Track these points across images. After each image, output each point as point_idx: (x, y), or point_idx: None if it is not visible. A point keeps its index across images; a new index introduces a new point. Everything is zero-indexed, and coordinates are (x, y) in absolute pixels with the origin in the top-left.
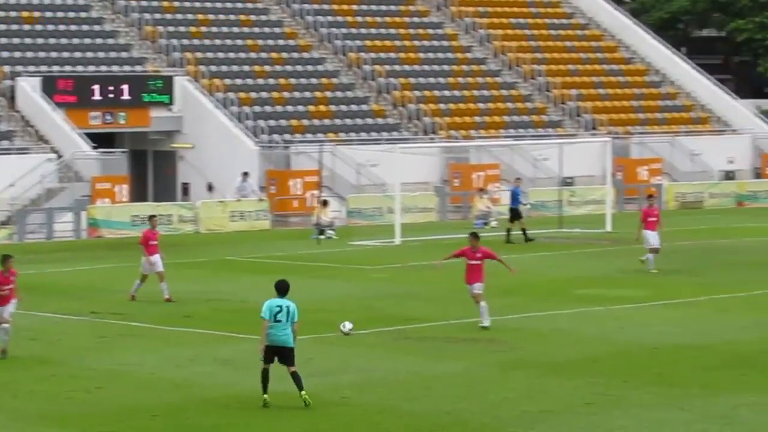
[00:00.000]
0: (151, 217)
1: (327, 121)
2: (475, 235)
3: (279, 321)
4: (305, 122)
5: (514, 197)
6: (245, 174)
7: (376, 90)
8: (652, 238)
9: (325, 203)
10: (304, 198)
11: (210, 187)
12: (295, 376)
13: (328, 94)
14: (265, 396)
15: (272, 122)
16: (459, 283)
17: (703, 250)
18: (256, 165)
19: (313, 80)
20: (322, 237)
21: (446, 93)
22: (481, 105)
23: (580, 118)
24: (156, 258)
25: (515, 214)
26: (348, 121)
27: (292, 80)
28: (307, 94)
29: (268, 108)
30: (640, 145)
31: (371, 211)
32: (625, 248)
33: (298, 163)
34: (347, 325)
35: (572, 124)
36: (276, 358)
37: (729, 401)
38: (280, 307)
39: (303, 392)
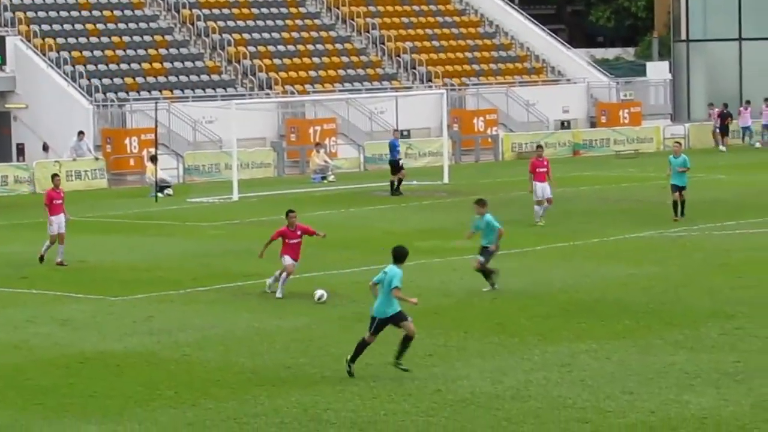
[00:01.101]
0: (54, 176)
1: (162, 79)
2: (292, 212)
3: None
4: (140, 80)
5: (393, 149)
6: (80, 133)
7: (210, 46)
8: (541, 189)
9: (153, 159)
10: (141, 156)
11: (45, 147)
12: (404, 341)
13: (162, 51)
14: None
15: (106, 81)
16: None
17: None
18: (91, 124)
19: (147, 38)
20: (160, 195)
21: (281, 48)
22: (315, 60)
23: (415, 70)
24: (60, 218)
25: (395, 167)
26: (183, 79)
27: (126, 38)
28: (141, 51)
29: (102, 67)
30: (475, 97)
31: (208, 168)
32: (463, 199)
33: (134, 121)
34: (318, 293)
35: (407, 77)
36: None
37: (568, 349)
38: (385, 273)
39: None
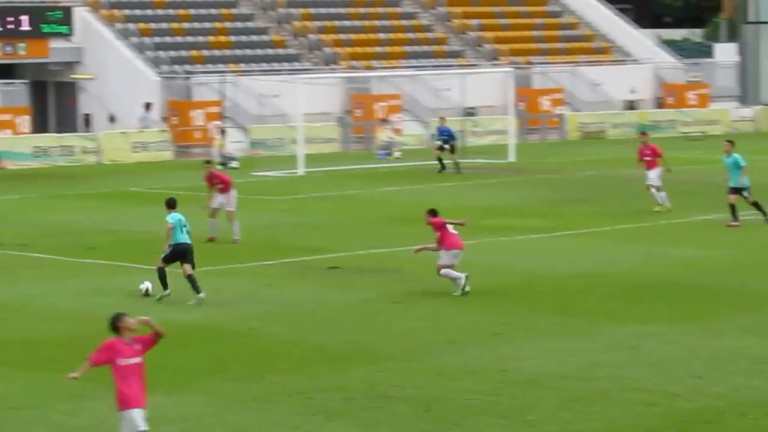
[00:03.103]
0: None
1: (227, 52)
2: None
3: None
4: (205, 53)
5: (439, 134)
6: (148, 104)
7: (276, 20)
8: (651, 176)
9: (222, 132)
10: (206, 129)
11: (111, 119)
12: None
13: (228, 24)
14: None
15: (172, 53)
16: (363, 212)
17: (606, 180)
18: (157, 96)
19: (213, 10)
20: (224, 167)
21: (346, 23)
22: (381, 35)
23: (481, 48)
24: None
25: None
26: (248, 52)
27: (191, 11)
28: (207, 24)
29: (168, 38)
30: (541, 76)
31: (273, 142)
32: (529, 178)
33: (199, 93)
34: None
35: (473, 55)
36: None
37: (635, 331)
38: None
39: None
